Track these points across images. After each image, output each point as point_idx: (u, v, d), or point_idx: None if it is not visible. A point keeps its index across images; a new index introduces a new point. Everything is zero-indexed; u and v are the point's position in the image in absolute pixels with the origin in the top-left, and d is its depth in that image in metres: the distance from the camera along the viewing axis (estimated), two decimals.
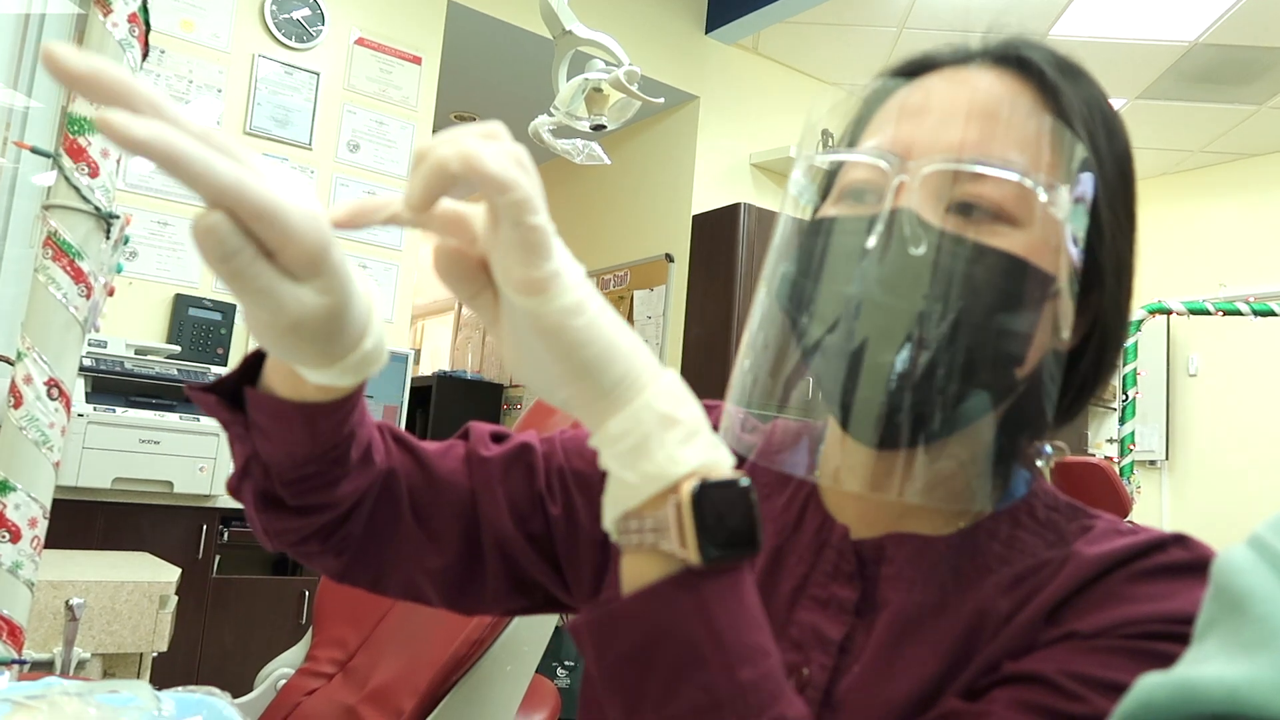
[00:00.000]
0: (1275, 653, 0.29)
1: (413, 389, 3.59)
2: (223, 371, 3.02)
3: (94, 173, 1.32)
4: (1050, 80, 0.55)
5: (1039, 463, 0.60)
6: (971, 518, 0.56)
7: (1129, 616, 0.47)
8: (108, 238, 1.35)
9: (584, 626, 0.45)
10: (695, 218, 4.21)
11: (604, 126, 1.97)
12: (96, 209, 1.32)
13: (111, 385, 2.62)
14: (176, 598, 1.74)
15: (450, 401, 4.84)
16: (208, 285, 3.13)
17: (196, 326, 3.03)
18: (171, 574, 1.82)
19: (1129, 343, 3.66)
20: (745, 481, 0.43)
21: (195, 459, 2.66)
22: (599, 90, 1.94)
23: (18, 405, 1.28)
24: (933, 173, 0.51)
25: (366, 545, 0.61)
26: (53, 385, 1.30)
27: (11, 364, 1.31)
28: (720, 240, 4.06)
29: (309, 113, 3.35)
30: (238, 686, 1.42)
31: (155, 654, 1.71)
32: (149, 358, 2.72)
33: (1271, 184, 4.91)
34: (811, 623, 0.56)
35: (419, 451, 0.63)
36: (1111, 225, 0.55)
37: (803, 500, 0.61)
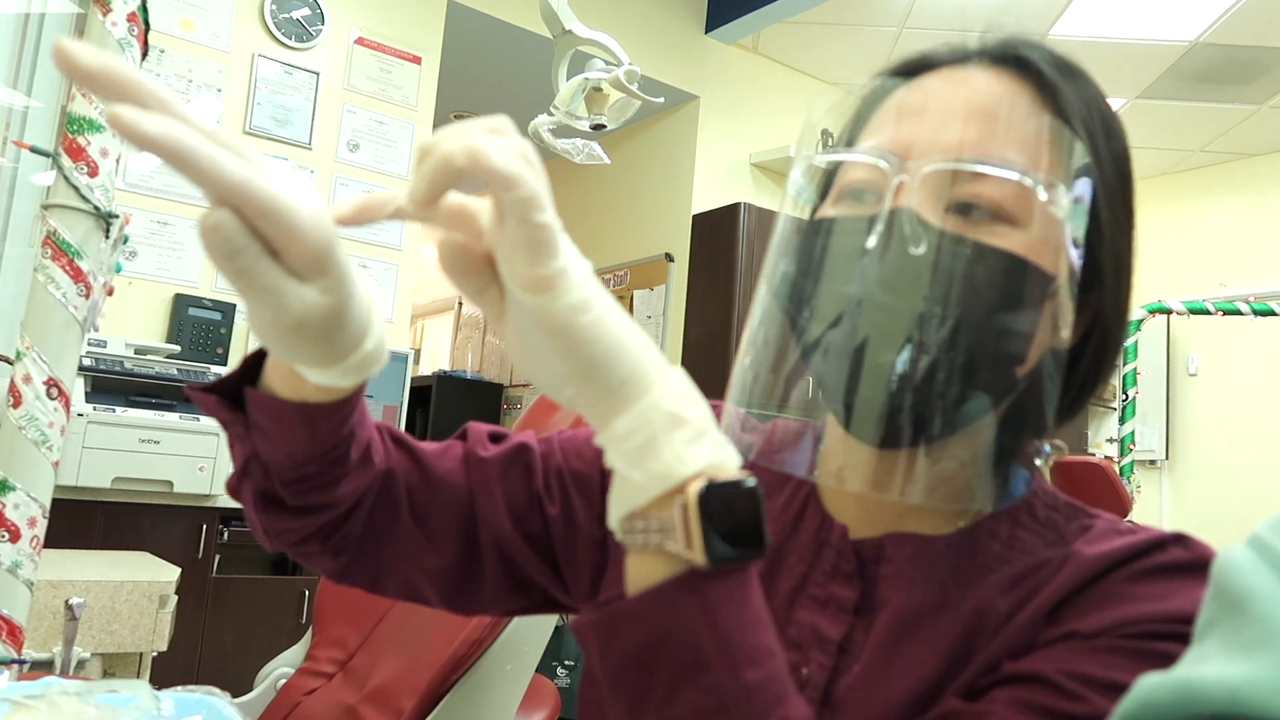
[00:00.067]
0: (1275, 653, 0.29)
1: (413, 388, 3.59)
2: (223, 371, 3.03)
3: (93, 172, 1.32)
4: (1049, 79, 0.55)
5: (1038, 462, 0.60)
6: (971, 517, 0.56)
7: (1129, 616, 0.47)
8: (107, 237, 1.35)
9: (588, 626, 0.45)
10: (695, 217, 4.21)
11: (604, 126, 1.97)
12: (96, 208, 1.32)
13: (111, 385, 2.62)
14: (176, 597, 1.74)
15: (450, 401, 4.84)
16: (208, 285, 3.13)
17: (196, 326, 3.03)
18: (171, 573, 1.82)
19: (1129, 342, 3.66)
20: (752, 482, 0.42)
21: (195, 458, 2.66)
22: (599, 90, 1.94)
23: (17, 405, 1.28)
24: (932, 172, 0.51)
25: (365, 545, 0.61)
26: (52, 385, 1.30)
27: (11, 363, 1.31)
28: (720, 240, 4.06)
29: (309, 112, 3.35)
30: (238, 686, 1.42)
31: (155, 654, 1.71)
32: (149, 357, 2.72)
33: (1271, 184, 4.91)
34: (810, 622, 0.56)
35: (417, 452, 0.63)
36: (1111, 224, 0.55)
37: (802, 500, 0.61)
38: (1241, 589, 0.31)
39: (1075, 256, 0.52)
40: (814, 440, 0.61)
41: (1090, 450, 5.02)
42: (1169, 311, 3.74)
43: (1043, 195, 0.51)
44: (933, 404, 0.50)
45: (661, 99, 1.99)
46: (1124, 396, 3.70)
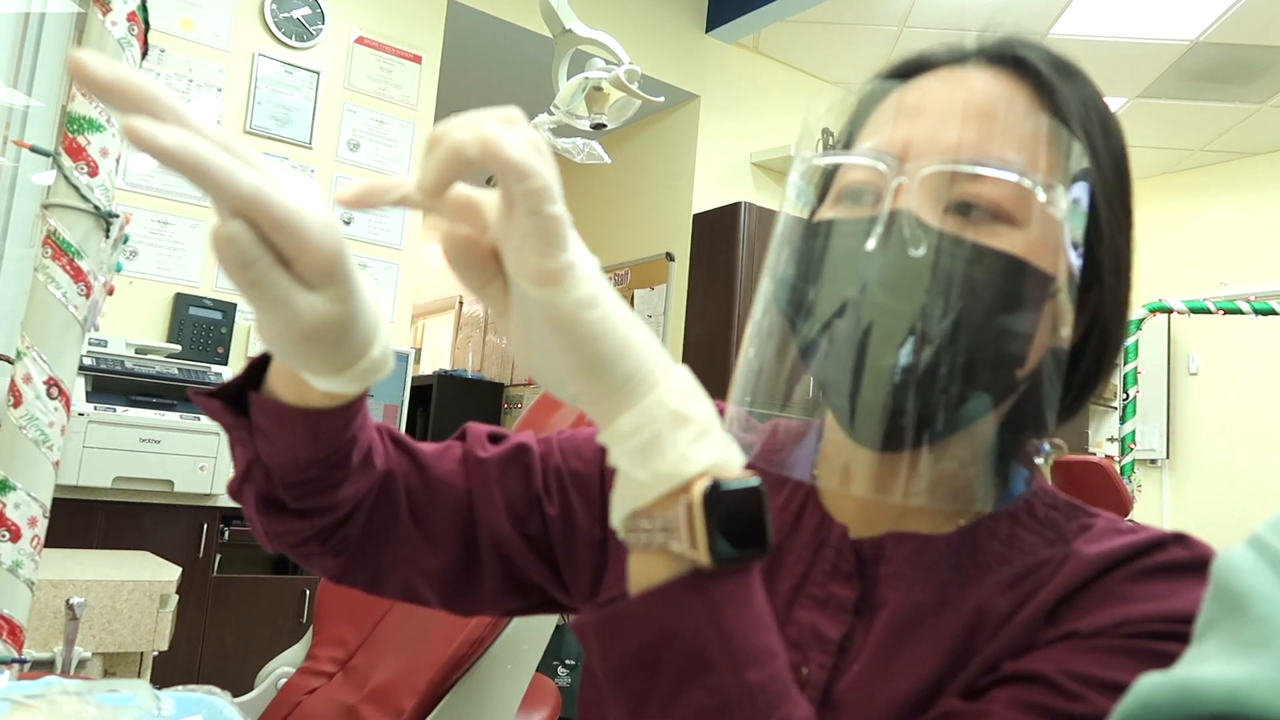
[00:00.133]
0: (1275, 653, 0.29)
1: (413, 388, 3.60)
2: (223, 370, 3.02)
3: (93, 172, 1.32)
4: (1046, 79, 0.55)
5: (1038, 461, 0.60)
6: (971, 517, 0.56)
7: (1129, 616, 0.47)
8: (107, 236, 1.35)
9: (590, 626, 0.45)
10: (696, 217, 4.21)
11: (604, 125, 1.97)
12: (96, 208, 1.32)
13: (112, 384, 2.62)
14: (177, 597, 1.74)
15: (450, 401, 4.84)
16: (208, 284, 3.13)
17: (197, 325, 3.03)
18: (172, 573, 1.82)
19: (1129, 341, 3.66)
20: (756, 481, 0.42)
21: (196, 458, 2.66)
22: (599, 89, 1.94)
23: (17, 404, 1.28)
24: (931, 173, 0.51)
25: (364, 546, 0.61)
26: (52, 384, 1.30)
27: (11, 363, 1.31)
28: (721, 239, 4.06)
29: (309, 112, 3.35)
30: (238, 685, 1.42)
31: (156, 653, 1.71)
32: (149, 357, 2.72)
33: (1272, 183, 4.91)
34: (810, 622, 0.56)
35: (416, 453, 0.63)
36: (1109, 224, 0.55)
37: (801, 499, 0.61)
38: (1241, 589, 0.31)
39: (1074, 256, 0.52)
40: (814, 441, 0.61)
41: (1091, 449, 5.02)
42: (1169, 310, 3.74)
43: (1041, 195, 0.51)
44: (934, 406, 0.50)
45: (662, 98, 1.99)
46: (1124, 396, 3.70)
